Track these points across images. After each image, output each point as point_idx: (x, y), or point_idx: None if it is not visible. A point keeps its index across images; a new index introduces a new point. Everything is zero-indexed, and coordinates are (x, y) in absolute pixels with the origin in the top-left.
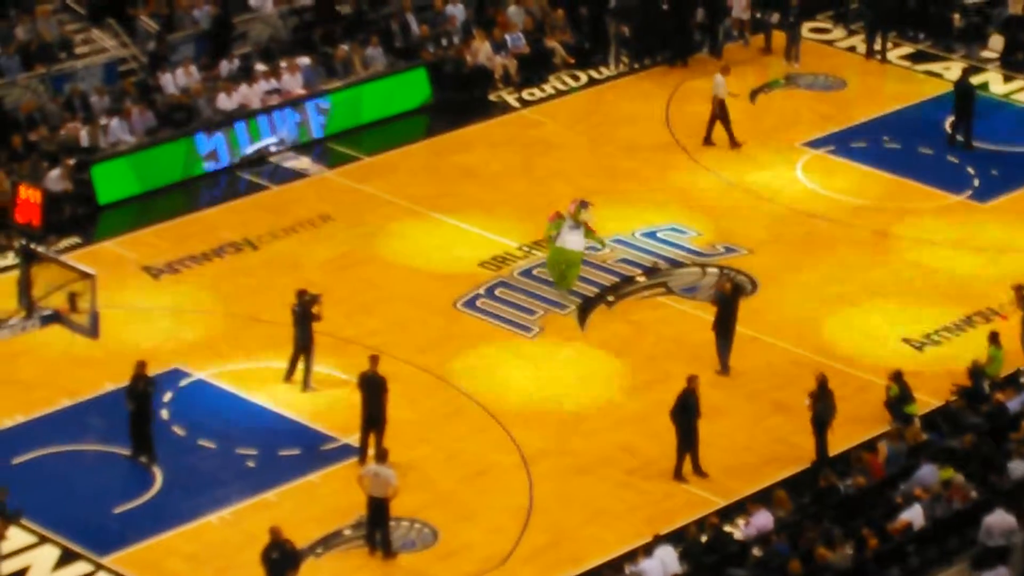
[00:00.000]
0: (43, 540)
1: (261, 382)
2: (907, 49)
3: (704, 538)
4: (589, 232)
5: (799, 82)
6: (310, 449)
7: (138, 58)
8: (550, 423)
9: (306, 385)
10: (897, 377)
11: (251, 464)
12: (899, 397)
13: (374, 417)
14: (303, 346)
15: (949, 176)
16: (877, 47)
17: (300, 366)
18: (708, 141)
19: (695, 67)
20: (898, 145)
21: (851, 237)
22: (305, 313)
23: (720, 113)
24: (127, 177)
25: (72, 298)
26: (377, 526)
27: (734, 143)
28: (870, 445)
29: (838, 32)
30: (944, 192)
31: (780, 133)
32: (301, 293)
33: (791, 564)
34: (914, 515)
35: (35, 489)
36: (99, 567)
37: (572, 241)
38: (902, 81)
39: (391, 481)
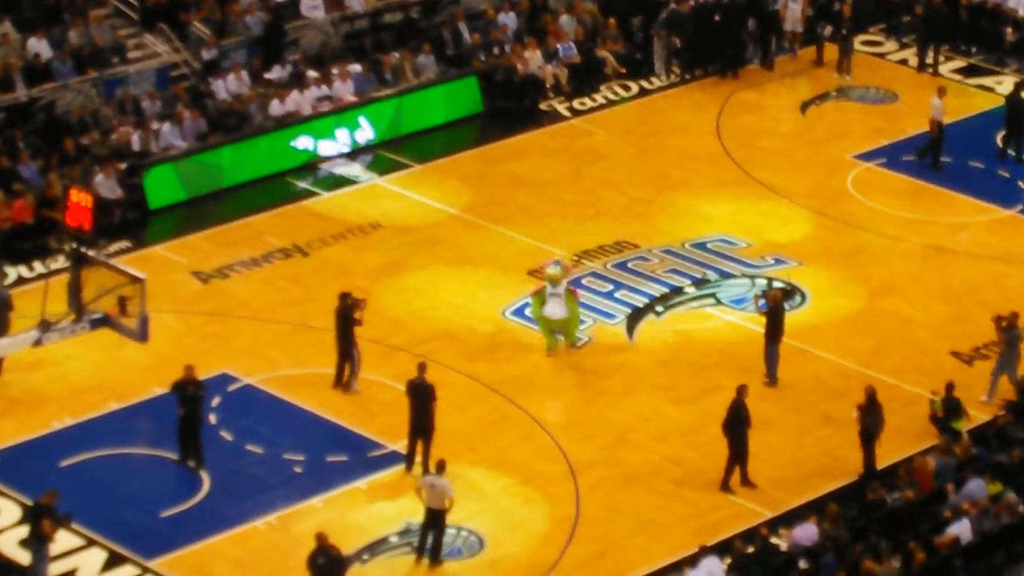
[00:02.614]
0: (90, 543)
1: (309, 388)
2: (959, 63)
3: (751, 550)
4: (569, 297)
5: (851, 95)
6: (357, 455)
7: (190, 63)
8: (597, 433)
9: (349, 387)
10: (946, 391)
11: (298, 470)
12: (947, 411)
13: (422, 425)
14: (343, 349)
15: (1000, 190)
16: (929, 60)
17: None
18: (935, 165)
19: (746, 78)
20: (949, 159)
21: (901, 250)
22: (346, 316)
23: (934, 135)
24: (178, 182)
25: (122, 302)
26: (431, 532)
27: (935, 165)
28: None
29: (890, 45)
30: (995, 206)
31: (831, 145)
32: (344, 296)
33: None
34: (962, 529)
35: (83, 492)
36: (146, 570)
37: (558, 311)
38: (954, 95)
39: (448, 493)
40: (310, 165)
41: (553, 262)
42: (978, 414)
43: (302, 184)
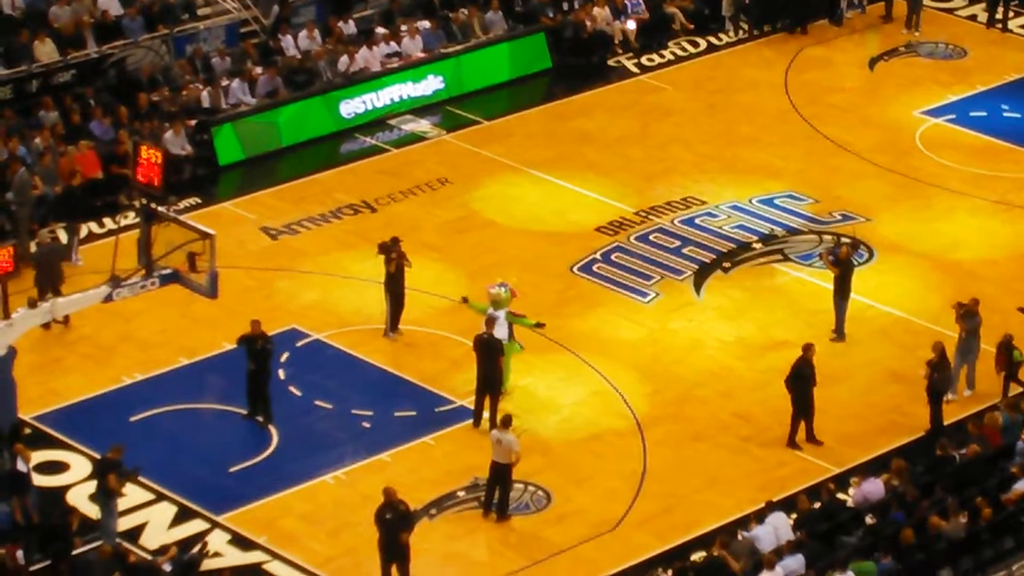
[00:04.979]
0: (160, 497)
1: (378, 343)
2: None
3: (817, 505)
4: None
5: (919, 50)
6: (425, 411)
7: (260, 20)
8: (665, 389)
9: (386, 332)
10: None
11: (366, 425)
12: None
13: (489, 380)
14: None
15: None
16: (998, 16)
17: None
18: None
19: (815, 34)
20: (1018, 114)
21: (969, 206)
22: (386, 257)
23: None
24: (247, 138)
25: (191, 258)
26: (498, 487)
27: None
28: (982, 416)
29: (959, 0)
30: None
31: (899, 101)
32: (395, 239)
33: (903, 533)
34: None
35: (152, 447)
36: (215, 525)
37: (500, 333)
38: (1023, 50)
39: (514, 448)
40: (378, 121)
41: (499, 284)
42: None
43: (370, 141)
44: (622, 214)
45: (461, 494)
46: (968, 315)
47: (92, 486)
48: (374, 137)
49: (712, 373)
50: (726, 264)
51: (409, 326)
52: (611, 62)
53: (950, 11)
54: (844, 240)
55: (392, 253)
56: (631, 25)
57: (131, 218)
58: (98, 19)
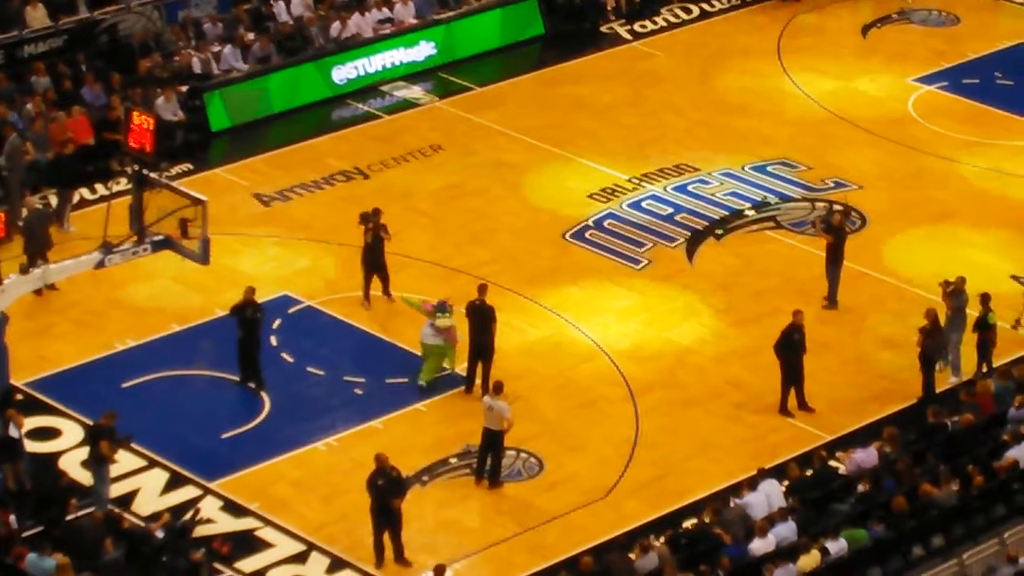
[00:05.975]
0: (152, 464)
1: (370, 310)
2: None
3: (809, 472)
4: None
5: (912, 17)
6: (418, 377)
7: None
8: (657, 356)
9: (362, 302)
10: (984, 300)
11: (359, 392)
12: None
13: (482, 347)
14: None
15: None
16: None
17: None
18: None
19: (807, 1)
20: (1011, 82)
21: (962, 173)
22: (364, 227)
23: None
24: (239, 104)
25: (183, 224)
26: (490, 454)
27: None
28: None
29: None
30: None
31: (892, 68)
32: (376, 210)
33: (895, 500)
34: (1020, 453)
35: (144, 413)
36: (207, 491)
37: (430, 339)
38: (1016, 17)
39: (505, 415)
40: (371, 88)
41: (439, 308)
42: None
43: (363, 107)
44: (615, 181)
45: (453, 461)
46: (955, 293)
47: (84, 452)
48: (366, 103)
49: (704, 340)
50: (719, 231)
51: (401, 293)
52: (603, 28)
53: None
54: (837, 207)
55: (369, 223)
56: None
57: (123, 184)
58: None
